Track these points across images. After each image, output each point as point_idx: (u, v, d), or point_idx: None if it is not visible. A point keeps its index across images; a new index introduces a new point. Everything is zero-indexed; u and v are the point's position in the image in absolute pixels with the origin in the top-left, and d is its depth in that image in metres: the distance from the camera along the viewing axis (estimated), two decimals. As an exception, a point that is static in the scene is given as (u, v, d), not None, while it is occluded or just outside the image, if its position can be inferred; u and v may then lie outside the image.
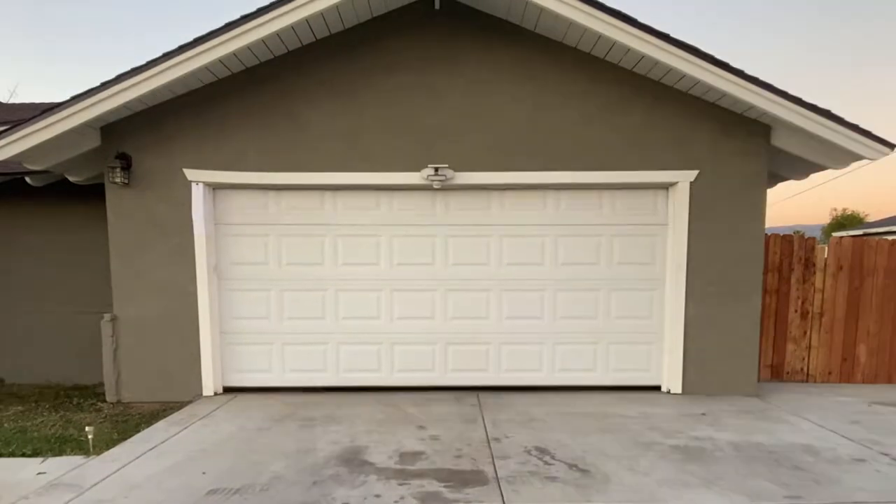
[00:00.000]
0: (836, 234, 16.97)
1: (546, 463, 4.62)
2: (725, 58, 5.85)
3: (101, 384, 6.84)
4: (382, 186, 6.64)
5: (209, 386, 6.68)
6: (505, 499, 3.97)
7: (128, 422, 5.91)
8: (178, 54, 5.74)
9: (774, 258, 7.42)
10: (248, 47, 5.86)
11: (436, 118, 6.49)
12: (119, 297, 6.61)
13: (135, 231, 6.53)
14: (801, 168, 7.01)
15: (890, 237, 8.06)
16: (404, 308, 6.88)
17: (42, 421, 6.02)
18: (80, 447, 5.11)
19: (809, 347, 7.58)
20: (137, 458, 4.73)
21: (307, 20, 5.80)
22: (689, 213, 6.56)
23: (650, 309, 6.87)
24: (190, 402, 6.46)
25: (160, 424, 5.66)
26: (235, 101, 6.45)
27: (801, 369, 7.60)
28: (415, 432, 5.38)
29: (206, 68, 5.97)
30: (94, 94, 5.81)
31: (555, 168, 6.50)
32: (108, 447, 5.04)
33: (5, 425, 5.86)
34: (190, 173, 6.47)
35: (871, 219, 38.80)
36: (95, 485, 4.19)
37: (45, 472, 4.53)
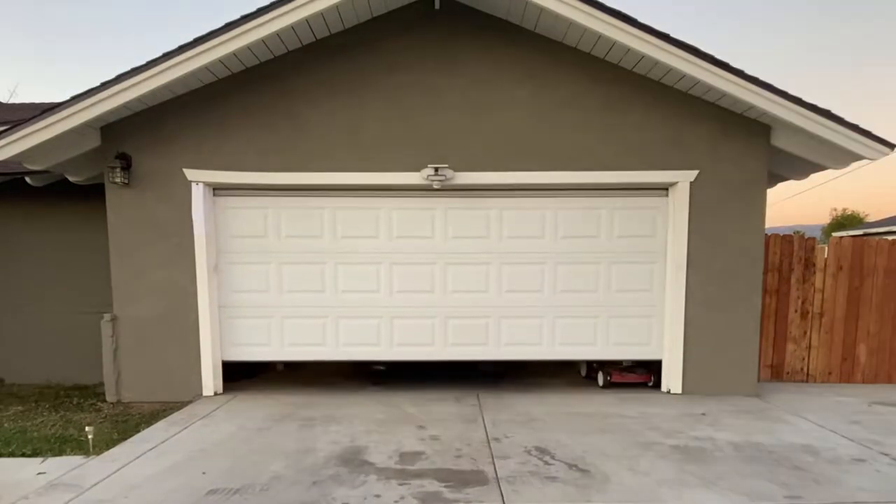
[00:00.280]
0: (836, 234, 16.98)
1: (546, 463, 4.62)
2: (725, 58, 5.86)
3: (101, 384, 6.84)
4: (382, 187, 6.64)
5: (209, 386, 6.68)
6: (505, 499, 3.97)
7: (128, 422, 5.91)
8: (178, 54, 5.74)
9: (774, 258, 7.42)
10: (248, 47, 5.86)
11: (436, 118, 6.49)
12: (119, 297, 6.61)
13: (135, 231, 6.53)
14: (801, 168, 7.01)
15: (890, 237, 8.07)
16: (404, 282, 6.86)
17: (42, 421, 6.02)
18: (80, 447, 5.11)
19: (809, 347, 7.57)
20: (137, 458, 4.73)
21: (307, 20, 5.80)
22: (689, 214, 6.55)
23: (650, 282, 6.84)
24: (190, 402, 6.46)
25: (160, 424, 5.66)
26: (235, 101, 6.45)
27: (801, 369, 7.60)
28: (415, 432, 5.38)
29: (206, 68, 5.97)
30: (94, 94, 5.81)
31: (555, 168, 6.50)
32: (108, 447, 5.04)
33: (5, 425, 5.86)
34: (190, 173, 6.47)
35: (871, 219, 38.80)
36: (95, 485, 4.19)
37: (45, 472, 4.53)
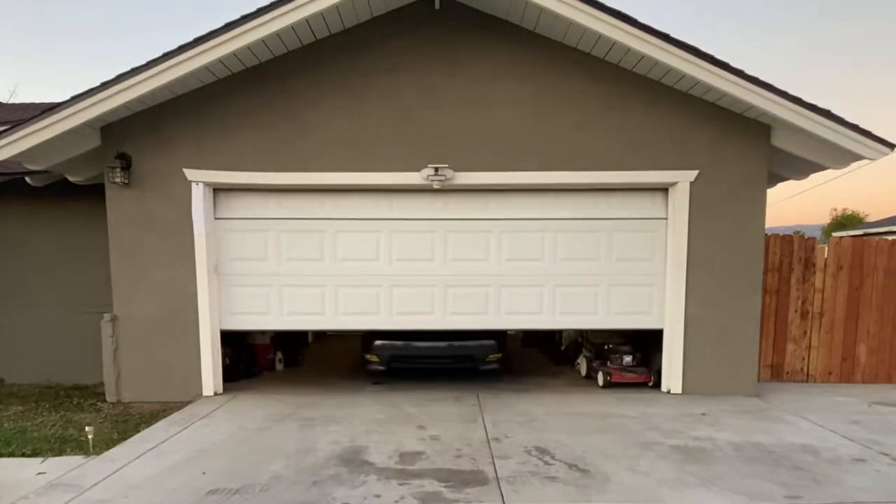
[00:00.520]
0: (836, 234, 16.97)
1: (546, 463, 4.62)
2: (725, 58, 5.86)
3: (101, 384, 6.83)
4: (382, 187, 6.64)
5: (209, 386, 6.67)
6: (505, 499, 3.97)
7: (128, 422, 5.91)
8: (178, 54, 5.74)
9: (774, 258, 7.42)
10: (249, 47, 5.86)
11: (436, 118, 6.49)
12: (119, 297, 6.61)
13: (135, 231, 6.53)
14: (801, 168, 7.01)
15: (890, 237, 8.07)
16: (404, 251, 6.84)
17: (42, 421, 6.02)
18: (80, 447, 5.11)
19: (809, 347, 7.57)
20: (137, 458, 4.73)
21: (307, 20, 5.80)
22: (689, 214, 6.55)
23: (651, 250, 6.82)
24: (190, 402, 6.46)
25: (160, 424, 5.66)
26: (235, 101, 6.45)
27: (801, 369, 7.60)
28: (415, 432, 5.38)
29: (207, 68, 5.97)
30: (94, 94, 5.81)
31: (555, 168, 6.50)
32: (108, 447, 5.04)
33: (5, 425, 5.86)
34: (190, 173, 6.47)
35: (871, 219, 38.76)
36: (95, 485, 4.19)
37: (45, 472, 4.52)
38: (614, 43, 5.91)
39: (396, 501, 3.92)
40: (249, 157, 6.48)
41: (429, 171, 6.39)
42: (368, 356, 7.49)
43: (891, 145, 6.05)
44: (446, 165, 6.41)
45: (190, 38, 5.74)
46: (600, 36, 5.86)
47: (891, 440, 5.23)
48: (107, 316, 6.60)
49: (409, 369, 7.49)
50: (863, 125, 5.94)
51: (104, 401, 6.68)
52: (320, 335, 11.84)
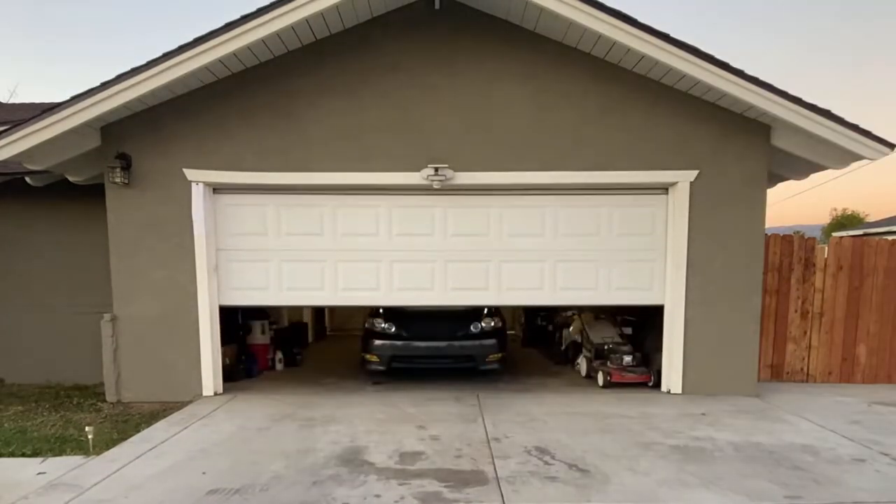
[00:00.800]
0: (836, 234, 16.97)
1: (546, 463, 4.62)
2: (725, 58, 5.86)
3: (101, 384, 6.83)
4: (382, 187, 6.63)
5: (209, 386, 6.67)
6: (505, 499, 3.97)
7: (128, 422, 5.91)
8: (178, 54, 5.73)
9: (774, 258, 7.42)
10: (248, 47, 5.86)
11: (436, 118, 6.49)
12: (119, 297, 6.61)
13: (135, 231, 6.53)
14: (801, 168, 7.01)
15: (890, 237, 8.07)
16: (404, 226, 6.81)
17: (42, 421, 6.01)
18: (80, 447, 5.11)
19: (809, 347, 7.57)
20: (137, 458, 4.73)
21: (307, 20, 5.80)
22: (689, 214, 6.55)
23: (652, 225, 6.81)
24: (190, 402, 6.46)
25: (160, 424, 5.66)
26: (235, 101, 6.45)
27: (801, 369, 7.60)
28: (415, 432, 5.38)
29: (206, 68, 5.97)
30: (94, 94, 5.81)
31: (556, 168, 6.49)
32: (108, 447, 5.04)
33: (5, 425, 5.86)
34: (190, 173, 6.47)
35: (871, 219, 38.73)
36: (95, 485, 4.19)
37: (45, 472, 4.52)
38: (614, 43, 5.91)
39: (396, 501, 3.92)
40: (250, 157, 6.48)
41: (429, 170, 6.39)
42: (368, 356, 7.49)
43: (891, 145, 6.05)
44: (446, 165, 6.40)
45: (190, 38, 5.74)
46: (600, 36, 5.86)
47: (891, 440, 5.23)
48: (107, 316, 6.60)
49: (409, 369, 7.49)
50: (863, 125, 5.94)
51: (104, 401, 6.68)
52: (321, 335, 11.87)
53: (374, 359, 7.43)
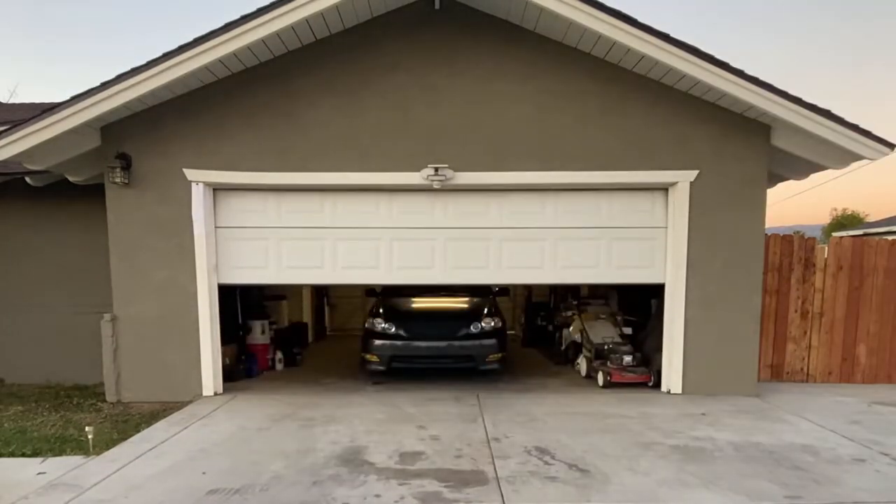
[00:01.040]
0: (836, 234, 16.97)
1: (546, 463, 4.62)
2: (725, 58, 5.86)
3: (101, 384, 6.83)
4: (382, 187, 6.63)
5: (209, 386, 6.67)
6: (505, 499, 3.97)
7: (128, 422, 5.91)
8: (178, 54, 5.73)
9: (774, 258, 7.41)
10: (248, 47, 5.86)
11: (436, 118, 6.49)
12: (119, 297, 6.61)
13: (135, 231, 6.53)
14: (801, 168, 7.01)
15: (890, 237, 8.07)
16: (404, 204, 6.81)
17: (42, 421, 6.01)
18: (80, 447, 5.11)
19: (809, 347, 7.57)
20: (137, 458, 4.73)
21: (307, 20, 5.80)
22: (689, 214, 6.55)
23: (652, 203, 6.79)
24: (190, 402, 6.46)
25: (160, 424, 5.66)
26: (235, 102, 6.45)
27: (801, 369, 7.60)
28: (415, 432, 5.38)
29: (206, 68, 5.97)
30: (94, 94, 5.81)
31: (555, 168, 6.49)
32: (108, 447, 5.04)
33: (5, 425, 5.86)
34: (190, 173, 6.47)
35: (871, 219, 38.71)
36: (95, 485, 4.19)
37: (45, 472, 4.52)
38: (614, 43, 5.91)
39: (396, 501, 3.92)
40: (249, 157, 6.48)
41: (429, 171, 6.39)
42: (368, 356, 7.49)
43: (891, 145, 6.05)
44: (446, 165, 6.40)
45: (190, 38, 5.74)
46: (600, 36, 5.86)
47: (891, 440, 5.23)
48: (107, 316, 6.60)
49: (409, 369, 7.49)
50: (863, 125, 5.94)
51: (104, 401, 6.68)
52: (321, 335, 11.86)
53: (374, 359, 7.42)
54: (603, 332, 7.83)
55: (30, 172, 6.78)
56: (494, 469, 4.48)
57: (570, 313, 8.84)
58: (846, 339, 7.53)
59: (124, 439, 5.24)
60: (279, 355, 8.53)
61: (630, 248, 6.81)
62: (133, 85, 5.80)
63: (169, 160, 6.47)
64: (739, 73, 5.86)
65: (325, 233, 6.76)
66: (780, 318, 7.50)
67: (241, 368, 7.74)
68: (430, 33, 6.43)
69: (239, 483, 4.21)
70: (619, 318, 8.25)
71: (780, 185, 8.35)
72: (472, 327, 7.57)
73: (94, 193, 6.81)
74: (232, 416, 5.94)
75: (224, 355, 7.06)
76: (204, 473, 4.40)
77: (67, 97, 5.87)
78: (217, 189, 6.65)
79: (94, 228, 6.90)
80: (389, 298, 8.43)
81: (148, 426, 5.63)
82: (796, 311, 7.50)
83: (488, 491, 4.09)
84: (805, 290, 7.47)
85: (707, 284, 6.62)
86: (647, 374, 7.04)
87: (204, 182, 6.49)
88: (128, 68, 5.81)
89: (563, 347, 8.96)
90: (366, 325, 7.83)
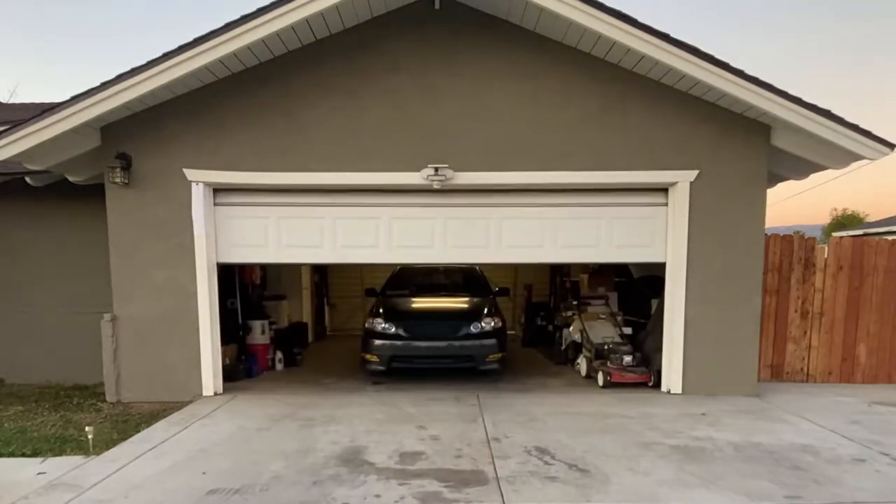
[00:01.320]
0: (836, 234, 16.96)
1: (546, 463, 4.62)
2: (725, 58, 5.86)
3: (101, 384, 6.83)
4: (382, 187, 6.63)
5: (209, 386, 6.67)
6: (505, 499, 3.97)
7: (128, 422, 5.91)
8: (178, 54, 5.73)
9: (774, 258, 7.41)
10: (248, 47, 5.85)
11: (436, 118, 6.49)
12: (119, 297, 6.61)
13: (135, 231, 6.53)
14: (801, 168, 7.01)
15: (890, 237, 8.07)
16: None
17: (42, 421, 6.01)
18: (80, 447, 5.11)
19: (809, 347, 7.57)
20: (137, 458, 4.73)
21: (307, 20, 5.80)
22: (689, 214, 6.55)
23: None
24: (190, 402, 6.46)
25: (160, 424, 5.66)
26: (235, 102, 6.45)
27: (801, 369, 7.60)
28: (415, 432, 5.37)
29: (206, 68, 5.97)
30: (94, 94, 5.81)
31: (556, 168, 6.49)
32: (108, 447, 5.04)
33: (5, 425, 5.86)
34: (190, 173, 6.47)
35: (871, 219, 38.71)
36: (95, 485, 4.19)
37: (45, 472, 4.52)
38: (614, 43, 5.91)
39: (396, 501, 3.92)
40: (249, 156, 6.48)
41: (429, 171, 6.38)
42: (368, 356, 7.49)
43: (891, 145, 6.05)
44: (446, 165, 6.40)
45: (190, 38, 5.74)
46: (600, 36, 5.86)
47: (891, 440, 5.23)
48: (107, 316, 6.60)
49: (409, 369, 7.49)
50: (863, 125, 5.94)
51: (104, 401, 6.68)
52: (321, 335, 11.86)
53: (374, 359, 7.42)
54: (603, 332, 7.84)
55: (30, 172, 6.78)
56: (494, 469, 4.48)
57: (570, 313, 8.84)
58: (846, 339, 7.53)
59: (124, 439, 5.24)
60: (279, 355, 8.53)
61: (631, 228, 6.79)
62: (133, 85, 5.80)
63: (169, 160, 6.47)
64: (739, 73, 5.86)
65: (324, 211, 6.75)
66: (780, 318, 7.50)
67: (241, 368, 7.74)
68: (430, 33, 6.43)
69: (239, 483, 4.21)
70: (619, 318, 8.26)
71: (780, 185, 8.35)
72: (472, 327, 7.57)
73: (94, 193, 6.81)
74: (232, 416, 5.94)
75: (224, 355, 7.06)
76: (204, 473, 4.40)
77: (67, 97, 5.87)
78: (217, 190, 6.65)
79: (94, 228, 6.89)
80: (389, 298, 8.44)
81: (148, 426, 5.63)
82: (796, 311, 7.50)
83: (488, 491, 4.09)
84: (805, 290, 7.47)
85: (707, 284, 6.62)
86: (647, 374, 7.04)
87: (204, 182, 6.49)
88: (128, 68, 5.81)
89: (563, 347, 8.96)
90: (366, 325, 7.83)
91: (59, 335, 7.71)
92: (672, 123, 6.51)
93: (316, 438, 5.20)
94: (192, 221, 6.49)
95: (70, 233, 7.68)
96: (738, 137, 6.49)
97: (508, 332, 8.58)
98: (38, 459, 4.88)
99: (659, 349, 6.97)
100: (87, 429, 5.22)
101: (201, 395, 6.64)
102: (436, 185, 6.43)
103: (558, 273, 10.82)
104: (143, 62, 5.79)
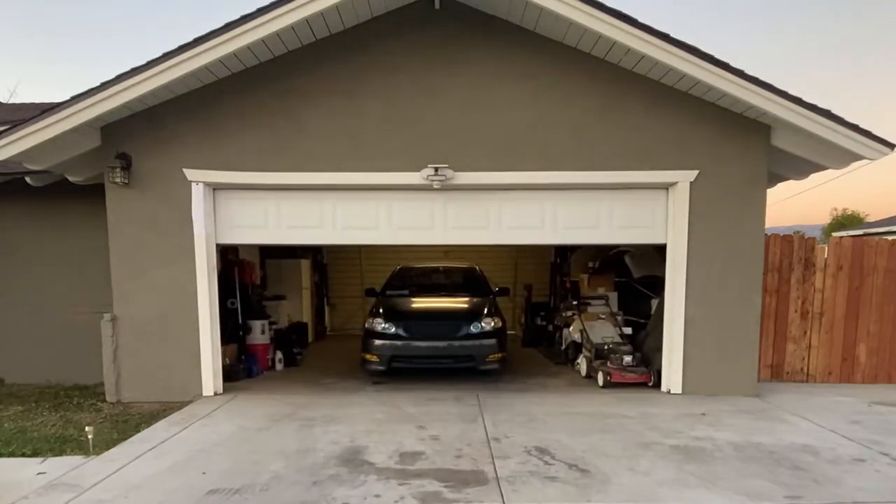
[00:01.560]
0: (836, 234, 16.96)
1: (546, 463, 4.62)
2: (725, 58, 5.86)
3: (101, 384, 6.83)
4: (382, 187, 6.63)
5: (209, 386, 6.67)
6: (505, 499, 3.97)
7: (128, 422, 5.91)
8: (178, 54, 5.73)
9: (774, 258, 7.41)
10: (248, 47, 5.85)
11: (436, 118, 6.49)
12: (119, 297, 6.61)
13: (135, 231, 6.53)
14: (801, 168, 7.01)
15: (890, 237, 8.07)
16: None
17: (42, 421, 6.01)
18: (80, 447, 5.11)
19: (809, 347, 7.57)
20: (137, 458, 4.73)
21: (307, 20, 5.80)
22: (689, 214, 6.55)
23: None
24: (190, 402, 6.46)
25: (160, 424, 5.66)
26: (235, 101, 6.45)
27: (801, 369, 7.60)
28: (415, 432, 5.37)
29: (206, 68, 5.97)
30: (94, 94, 5.81)
31: (555, 168, 6.49)
32: (107, 447, 5.04)
33: (5, 425, 5.86)
34: (190, 173, 6.47)
35: (871, 219, 38.69)
36: (95, 485, 4.19)
37: (45, 472, 4.52)
38: (614, 43, 5.91)
39: (396, 501, 3.92)
40: (249, 156, 6.48)
41: (429, 170, 6.38)
42: (368, 356, 7.49)
43: (891, 145, 6.05)
44: (446, 165, 6.40)
45: (190, 38, 5.74)
46: (600, 36, 5.86)
47: (891, 440, 5.23)
48: (107, 316, 6.60)
49: (409, 369, 7.49)
50: (863, 125, 5.95)
51: (104, 401, 6.68)
52: (321, 335, 11.87)
53: (374, 359, 7.42)
54: (603, 332, 7.84)
55: (30, 172, 6.78)
56: (494, 469, 4.48)
57: (570, 313, 8.84)
58: (846, 339, 7.53)
59: (124, 439, 5.24)
60: (279, 355, 8.53)
61: (631, 211, 6.79)
62: (133, 85, 5.80)
63: (169, 160, 6.47)
64: (739, 73, 5.86)
65: (324, 194, 6.73)
66: (780, 317, 7.50)
67: (241, 368, 7.74)
68: (430, 33, 6.43)
69: (239, 483, 4.21)
70: (619, 318, 8.26)
71: (780, 185, 8.35)
72: (472, 327, 7.56)
73: (94, 193, 6.80)
74: (232, 416, 5.94)
75: (224, 355, 7.06)
76: (204, 473, 4.40)
77: (67, 97, 5.87)
78: (217, 189, 6.65)
79: (94, 228, 6.89)
80: (389, 298, 8.45)
81: (148, 426, 5.63)
82: (796, 311, 7.50)
83: (488, 491, 4.09)
84: (805, 290, 7.47)
85: (707, 284, 6.62)
86: (647, 374, 7.04)
87: (204, 182, 6.49)
88: (128, 68, 5.81)
89: (563, 347, 8.96)
90: (366, 325, 7.83)
91: (59, 335, 7.71)
92: (672, 123, 6.51)
93: (316, 438, 5.19)
94: (192, 221, 6.49)
95: (70, 233, 7.67)
96: (738, 137, 6.49)
97: (508, 332, 8.58)
98: (38, 459, 4.88)
99: (659, 349, 6.97)
100: (87, 429, 5.22)
101: (201, 395, 6.64)
102: (436, 185, 6.43)
103: (558, 273, 10.82)
104: (143, 62, 5.79)
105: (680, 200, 6.55)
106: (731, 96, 6.02)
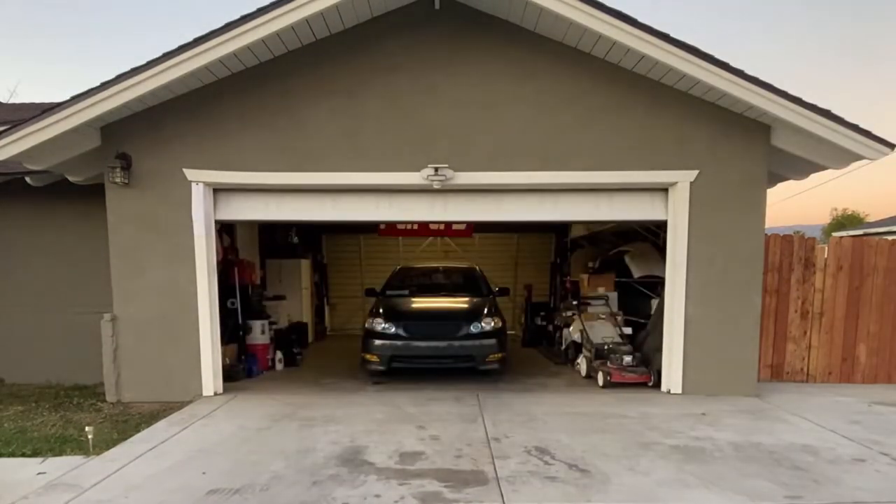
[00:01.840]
0: (836, 234, 16.96)
1: (546, 463, 4.62)
2: (725, 58, 5.86)
3: (101, 384, 6.83)
4: (382, 187, 6.63)
5: (209, 386, 6.67)
6: (505, 499, 3.97)
7: (128, 422, 5.91)
8: (178, 54, 5.73)
9: (774, 258, 7.41)
10: (248, 47, 5.85)
11: (436, 118, 6.49)
12: (119, 297, 6.61)
13: (135, 231, 6.53)
14: (801, 168, 7.01)
15: (890, 237, 8.07)
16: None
17: (42, 421, 6.01)
18: (80, 447, 5.11)
19: (809, 347, 7.57)
20: (137, 458, 4.73)
21: (307, 20, 5.80)
22: (689, 213, 6.55)
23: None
24: (190, 402, 6.46)
25: (160, 424, 5.66)
26: (235, 102, 6.45)
27: (801, 369, 7.60)
28: (415, 432, 5.37)
29: (206, 68, 5.97)
30: (94, 94, 5.81)
31: (556, 168, 6.49)
32: (107, 447, 5.04)
33: (5, 425, 5.86)
34: (190, 173, 6.47)
35: (871, 219, 38.68)
36: (95, 485, 4.19)
37: (44, 472, 4.52)
38: (614, 43, 5.91)
39: (396, 501, 3.92)
40: (249, 157, 6.48)
41: (429, 171, 6.39)
42: (368, 356, 7.49)
43: (891, 145, 6.05)
44: (446, 165, 6.40)
45: (190, 38, 5.74)
46: (600, 36, 5.86)
47: (891, 440, 5.23)
48: (107, 316, 6.60)
49: (409, 369, 7.49)
50: (863, 125, 5.94)
51: (104, 401, 6.68)
52: (321, 335, 11.87)
53: (374, 359, 7.42)
54: (603, 332, 7.84)
55: (30, 172, 6.78)
56: (494, 469, 4.48)
57: (570, 313, 8.84)
58: (846, 339, 7.53)
59: (124, 439, 5.24)
60: (279, 355, 8.53)
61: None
62: (133, 85, 5.80)
63: (169, 160, 6.47)
64: (739, 73, 5.86)
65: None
66: (780, 317, 7.50)
67: (241, 368, 7.74)
68: (430, 33, 6.43)
69: (239, 483, 4.21)
70: (619, 318, 8.26)
71: (780, 185, 8.35)
72: (471, 327, 7.56)
73: (94, 193, 6.80)
74: (232, 416, 5.94)
75: (224, 355, 7.06)
76: (204, 473, 4.40)
77: (67, 97, 5.87)
78: (217, 189, 6.65)
79: (94, 228, 6.89)
80: (389, 298, 8.45)
81: (148, 426, 5.63)
82: (796, 311, 7.50)
83: (488, 491, 4.09)
84: (805, 290, 7.47)
85: (707, 284, 6.62)
86: (647, 374, 7.04)
87: (204, 182, 6.49)
88: (128, 68, 5.81)
89: (563, 347, 8.96)
90: (366, 325, 7.83)
91: (59, 335, 7.71)
92: (672, 124, 6.51)
93: (316, 438, 5.19)
94: (192, 221, 6.49)
95: (70, 233, 7.67)
96: (738, 137, 6.49)
97: (508, 332, 8.58)
98: (38, 459, 4.88)
99: (659, 349, 6.97)
100: (87, 429, 5.22)
101: (201, 395, 6.64)
102: (436, 185, 6.43)
103: (558, 273, 10.82)
104: (143, 62, 5.78)
105: (680, 201, 6.55)
106: (731, 96, 6.02)
